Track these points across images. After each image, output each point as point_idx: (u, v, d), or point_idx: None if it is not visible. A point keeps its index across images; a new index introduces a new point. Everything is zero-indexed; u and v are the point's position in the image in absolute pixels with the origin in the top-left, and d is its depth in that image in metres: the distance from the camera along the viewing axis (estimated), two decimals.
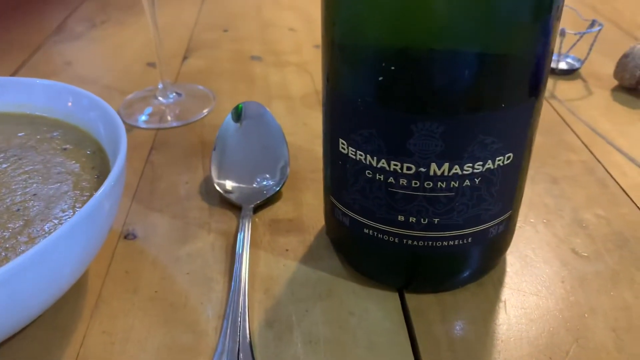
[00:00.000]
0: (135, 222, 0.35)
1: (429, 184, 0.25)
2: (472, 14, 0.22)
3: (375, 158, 0.26)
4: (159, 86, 0.49)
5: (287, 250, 0.33)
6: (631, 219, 0.35)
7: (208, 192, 0.38)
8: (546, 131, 0.44)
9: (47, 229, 0.27)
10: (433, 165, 0.25)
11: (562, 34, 0.50)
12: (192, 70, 0.55)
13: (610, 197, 0.37)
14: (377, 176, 0.26)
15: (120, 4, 0.74)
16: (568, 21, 0.61)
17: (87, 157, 0.32)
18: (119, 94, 0.51)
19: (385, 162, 0.26)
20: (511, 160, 0.26)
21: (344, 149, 0.27)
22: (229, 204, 0.36)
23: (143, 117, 0.47)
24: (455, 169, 0.25)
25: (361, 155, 0.26)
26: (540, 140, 0.43)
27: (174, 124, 0.46)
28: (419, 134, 0.24)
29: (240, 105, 0.39)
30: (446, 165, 0.25)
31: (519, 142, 0.26)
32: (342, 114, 0.26)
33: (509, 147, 0.25)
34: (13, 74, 0.55)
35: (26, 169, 0.31)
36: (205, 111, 0.48)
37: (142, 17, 0.69)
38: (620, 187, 0.38)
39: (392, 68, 0.23)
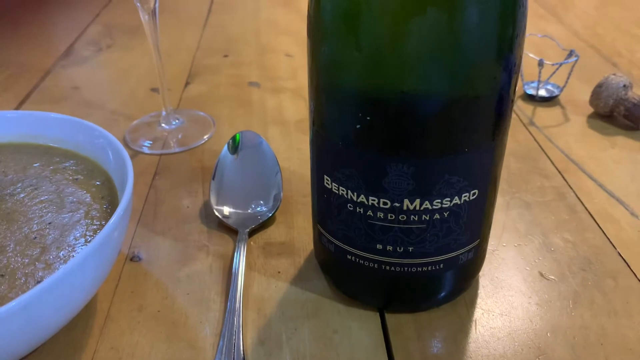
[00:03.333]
0: (140, 245, 0.38)
1: (403, 217, 0.29)
2: (435, 70, 0.25)
3: (355, 193, 0.29)
4: (163, 113, 0.52)
5: (279, 272, 0.36)
6: (595, 243, 0.38)
7: (207, 216, 0.41)
8: (523, 157, 0.47)
9: (62, 256, 0.30)
10: (406, 201, 0.28)
11: (541, 64, 0.53)
12: (193, 96, 0.59)
13: (578, 222, 0.40)
14: (358, 209, 0.29)
15: (125, 27, 0.77)
16: (549, 50, 0.64)
17: (97, 187, 0.36)
18: (124, 119, 0.54)
19: (364, 197, 0.29)
20: (476, 196, 0.29)
21: (328, 184, 0.30)
22: (227, 228, 0.39)
23: (147, 143, 0.50)
24: (426, 204, 0.28)
25: (343, 190, 0.29)
26: (517, 166, 0.46)
27: (177, 150, 0.49)
28: (393, 174, 0.27)
29: (237, 136, 0.42)
30: (417, 201, 0.28)
31: (483, 180, 0.29)
32: (325, 154, 0.30)
33: (473, 184, 0.28)
34: (26, 97, 0.58)
35: (42, 199, 0.35)
36: (205, 137, 0.51)
37: (147, 40, 0.72)
38: (588, 212, 0.41)
39: (368, 118, 0.26)
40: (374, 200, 0.29)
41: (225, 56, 0.68)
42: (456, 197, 0.28)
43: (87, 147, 0.38)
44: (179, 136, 0.51)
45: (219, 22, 0.78)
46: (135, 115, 0.55)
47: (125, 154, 0.35)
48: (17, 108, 0.57)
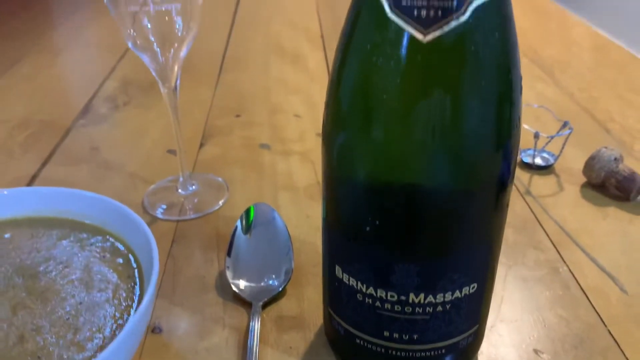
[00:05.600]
0: (160, 316, 0.41)
1: (408, 309, 0.31)
2: (437, 184, 0.28)
3: (364, 285, 0.32)
4: (180, 179, 0.55)
5: (290, 347, 0.38)
6: (587, 320, 0.40)
7: (223, 286, 0.44)
8: (520, 229, 0.50)
9: (92, 337, 0.33)
10: (411, 295, 0.31)
11: (537, 136, 0.56)
12: (208, 158, 0.62)
13: (571, 298, 0.42)
14: (367, 299, 0.32)
15: (140, 83, 0.80)
16: (545, 116, 0.67)
17: (123, 266, 0.38)
18: (142, 182, 0.57)
19: (373, 290, 0.31)
20: (476, 289, 0.32)
21: (339, 274, 0.33)
22: (241, 300, 0.42)
23: (165, 209, 0.53)
24: (430, 298, 0.31)
25: (353, 281, 0.32)
26: (514, 238, 0.48)
27: (193, 216, 0.52)
28: (400, 272, 0.30)
29: (251, 211, 0.45)
30: (422, 295, 0.31)
31: (482, 275, 0.32)
32: (338, 248, 0.32)
33: (473, 279, 0.31)
34: (47, 158, 0.62)
35: (72, 277, 0.37)
36: (220, 202, 0.54)
37: (162, 99, 0.75)
38: (581, 288, 0.43)
39: (377, 222, 0.29)
40: (382, 292, 0.31)
41: (237, 116, 0.71)
42: (457, 291, 0.31)
43: (114, 224, 0.41)
44: (195, 201, 0.54)
45: (231, 80, 0.81)
46: (152, 179, 0.58)
47: (150, 236, 0.37)
48: (40, 169, 0.60)
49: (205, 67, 0.86)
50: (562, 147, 0.57)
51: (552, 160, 0.59)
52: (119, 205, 0.41)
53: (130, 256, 0.39)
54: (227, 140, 0.65)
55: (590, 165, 0.54)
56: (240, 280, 0.42)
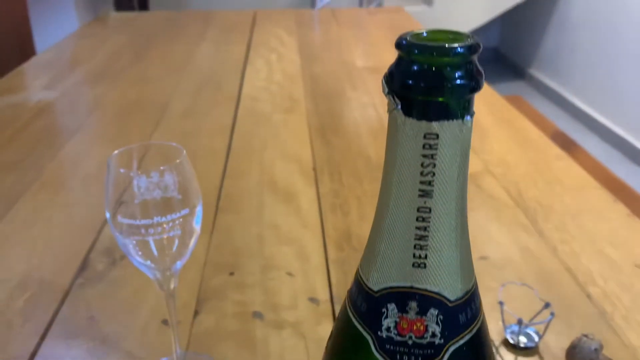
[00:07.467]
0: None
1: None
2: None
3: None
4: None
5: None
6: None
7: None
8: None
9: None
10: None
11: (520, 322, 0.58)
12: (202, 331, 0.63)
13: None
14: None
15: None
16: (526, 291, 0.69)
17: None
18: None
19: None
20: None
21: None
22: None
23: None
24: None
25: None
26: None
27: None
28: None
29: None
30: None
31: None
32: None
33: None
34: (45, 332, 0.63)
35: None
36: None
37: None
38: None
39: None
40: None
41: (231, 274, 0.73)
42: None
43: None
44: None
45: (226, 225, 0.84)
46: (148, 358, 0.59)
47: None
48: (39, 344, 0.62)
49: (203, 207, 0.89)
50: (545, 331, 0.60)
51: (536, 339, 0.61)
52: None
53: None
54: (221, 307, 0.67)
55: (572, 354, 0.57)
56: None
